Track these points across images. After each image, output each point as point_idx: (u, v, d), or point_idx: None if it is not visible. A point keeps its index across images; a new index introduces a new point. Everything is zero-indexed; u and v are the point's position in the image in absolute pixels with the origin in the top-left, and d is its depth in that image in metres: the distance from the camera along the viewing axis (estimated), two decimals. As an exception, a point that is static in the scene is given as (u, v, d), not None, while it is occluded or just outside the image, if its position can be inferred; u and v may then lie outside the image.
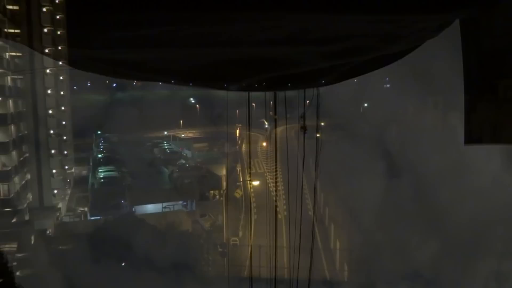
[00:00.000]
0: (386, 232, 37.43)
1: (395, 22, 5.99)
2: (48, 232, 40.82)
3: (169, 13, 5.34)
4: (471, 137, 6.60)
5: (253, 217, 38.71)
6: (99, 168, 56.79)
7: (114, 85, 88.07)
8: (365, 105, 72.71)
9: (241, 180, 56.37)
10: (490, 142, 6.65)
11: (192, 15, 5.43)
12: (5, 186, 38.27)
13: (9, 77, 40.07)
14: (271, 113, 13.67)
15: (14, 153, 40.44)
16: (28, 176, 44.26)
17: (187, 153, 70.24)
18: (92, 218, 44.55)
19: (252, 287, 14.13)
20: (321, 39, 6.26)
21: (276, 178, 31.02)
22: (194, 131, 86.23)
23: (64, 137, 50.01)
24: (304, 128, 12.43)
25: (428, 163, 38.94)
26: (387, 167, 43.58)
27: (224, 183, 52.63)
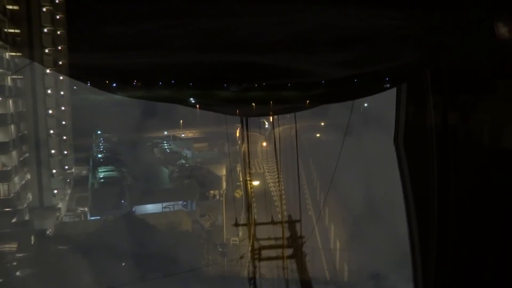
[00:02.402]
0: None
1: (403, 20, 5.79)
2: (48, 232, 40.78)
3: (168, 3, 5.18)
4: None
5: (254, 216, 38.59)
6: (99, 168, 56.75)
7: (114, 85, 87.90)
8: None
9: (241, 180, 56.31)
10: None
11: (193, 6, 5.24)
12: (5, 186, 38.21)
13: (9, 77, 40.01)
14: (270, 113, 13.66)
15: (14, 153, 40.37)
16: (28, 176, 44.20)
17: (187, 153, 70.17)
18: (92, 218, 44.52)
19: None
20: (332, 40, 6.05)
21: (277, 178, 30.98)
22: (194, 131, 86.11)
23: (64, 137, 49.95)
24: None
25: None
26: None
27: (224, 183, 52.60)
